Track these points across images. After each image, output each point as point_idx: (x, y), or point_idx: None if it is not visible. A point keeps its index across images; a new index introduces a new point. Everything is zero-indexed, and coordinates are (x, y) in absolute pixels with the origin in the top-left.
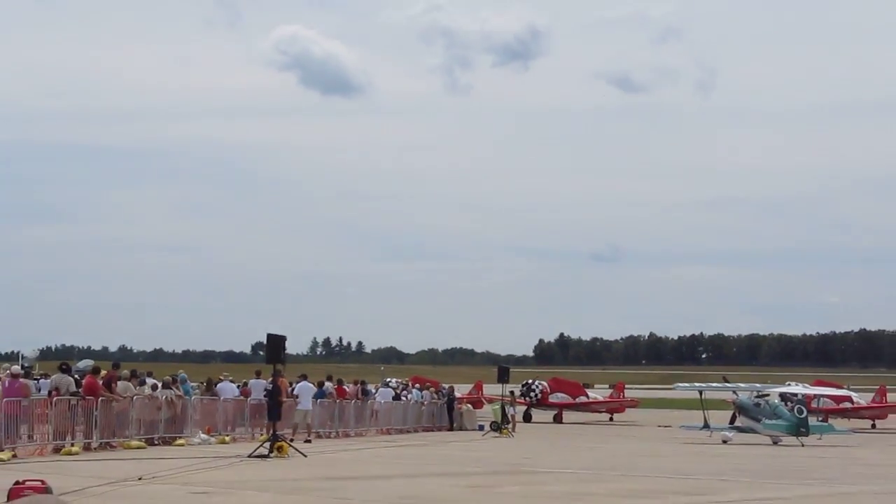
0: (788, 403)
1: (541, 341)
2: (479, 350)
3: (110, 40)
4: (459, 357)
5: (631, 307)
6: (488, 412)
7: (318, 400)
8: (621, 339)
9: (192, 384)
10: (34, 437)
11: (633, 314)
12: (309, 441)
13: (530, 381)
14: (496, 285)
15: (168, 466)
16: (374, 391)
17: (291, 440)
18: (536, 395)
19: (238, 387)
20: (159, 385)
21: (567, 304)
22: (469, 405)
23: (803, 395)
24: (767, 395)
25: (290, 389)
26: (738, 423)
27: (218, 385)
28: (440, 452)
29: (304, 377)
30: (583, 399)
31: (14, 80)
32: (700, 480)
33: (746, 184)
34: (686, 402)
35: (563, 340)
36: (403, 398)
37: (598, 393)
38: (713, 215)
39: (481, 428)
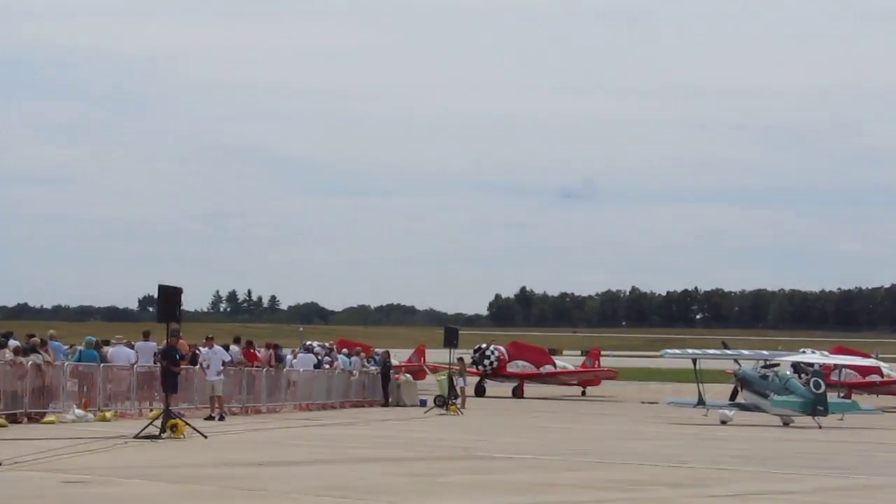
0: (802, 376)
1: (497, 297)
2: (420, 307)
3: None
4: (397, 316)
5: (609, 256)
6: (432, 384)
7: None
8: (596, 294)
9: (66, 347)
10: None
11: (611, 264)
12: (222, 419)
13: (484, 345)
14: (443, 227)
15: (35, 449)
16: (290, 357)
17: (211, 418)
18: (491, 364)
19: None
20: (23, 348)
21: (530, 251)
22: (408, 375)
23: (821, 366)
24: (777, 364)
25: (191, 354)
26: (740, 400)
27: (110, 350)
28: (373, 433)
29: (212, 340)
30: (549, 368)
31: None
32: (693, 469)
33: (750, 104)
34: (676, 373)
35: (524, 296)
36: (327, 366)
37: (567, 361)
38: (709, 142)
39: (423, 403)
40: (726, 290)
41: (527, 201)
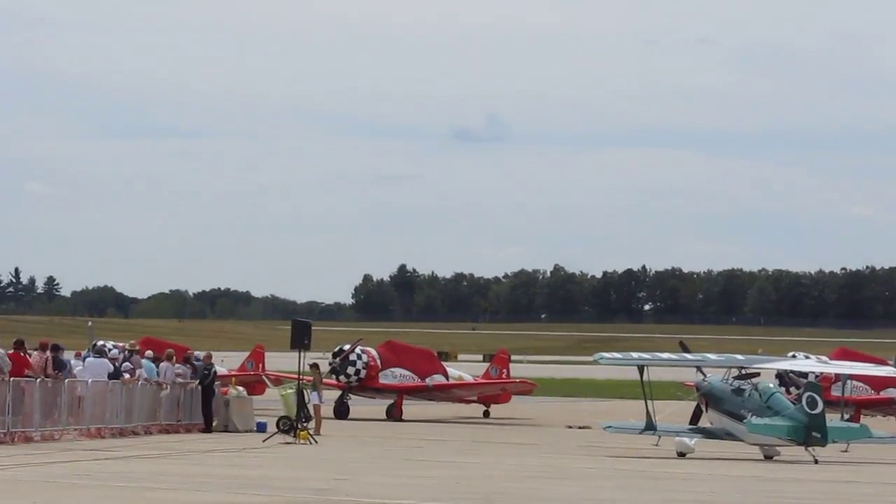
0: (792, 389)
1: (366, 280)
2: (258, 293)
3: None
4: (224, 306)
5: (522, 222)
6: (274, 400)
7: None
8: (505, 276)
9: None
10: None
11: (525, 234)
12: None
13: (347, 347)
14: (287, 183)
15: None
16: (75, 363)
17: None
18: (358, 373)
19: None
20: None
21: (412, 215)
22: (241, 388)
23: (817, 376)
24: (757, 374)
25: None
26: (705, 423)
27: None
28: (189, 470)
29: None
30: (438, 379)
31: None
32: None
33: (719, 13)
34: (615, 387)
35: (404, 278)
36: (127, 375)
37: (464, 369)
38: (662, 64)
39: (262, 428)
40: (686, 269)
41: (406, 146)
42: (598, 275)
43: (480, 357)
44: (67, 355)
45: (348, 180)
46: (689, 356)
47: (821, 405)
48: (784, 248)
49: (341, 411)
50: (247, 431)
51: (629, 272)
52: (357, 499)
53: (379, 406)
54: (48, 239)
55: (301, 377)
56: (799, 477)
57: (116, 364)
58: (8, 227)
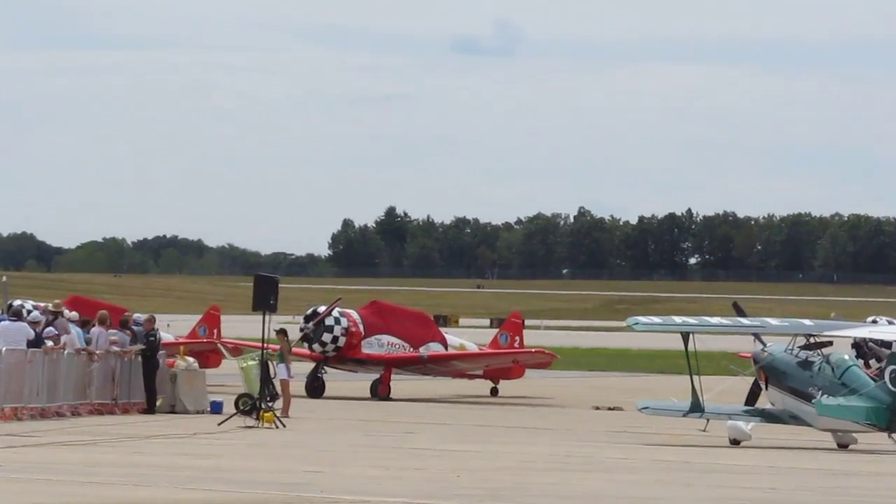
0: (873, 362)
1: (347, 226)
2: (213, 243)
3: None
4: (171, 258)
5: (537, 153)
6: (233, 374)
7: None
8: (517, 221)
9: None
10: None
11: (542, 169)
12: None
13: (322, 308)
14: (250, 108)
15: None
16: None
17: None
18: (335, 340)
19: None
20: None
21: (403, 144)
22: (192, 360)
23: None
24: (829, 343)
25: None
26: (764, 404)
27: None
28: (128, 459)
29: None
30: (435, 349)
31: None
32: None
33: None
34: (653, 358)
35: (392, 224)
36: (50, 343)
37: (467, 337)
38: None
39: (217, 408)
40: (741, 214)
41: (396, 60)
42: (633, 220)
43: (487, 322)
44: None
45: (324, 102)
46: (744, 321)
47: None
48: (863, 187)
49: (315, 388)
50: (198, 413)
51: (671, 217)
52: (334, 495)
53: (362, 382)
54: None
55: (266, 346)
56: (880, 471)
57: (37, 329)
58: None
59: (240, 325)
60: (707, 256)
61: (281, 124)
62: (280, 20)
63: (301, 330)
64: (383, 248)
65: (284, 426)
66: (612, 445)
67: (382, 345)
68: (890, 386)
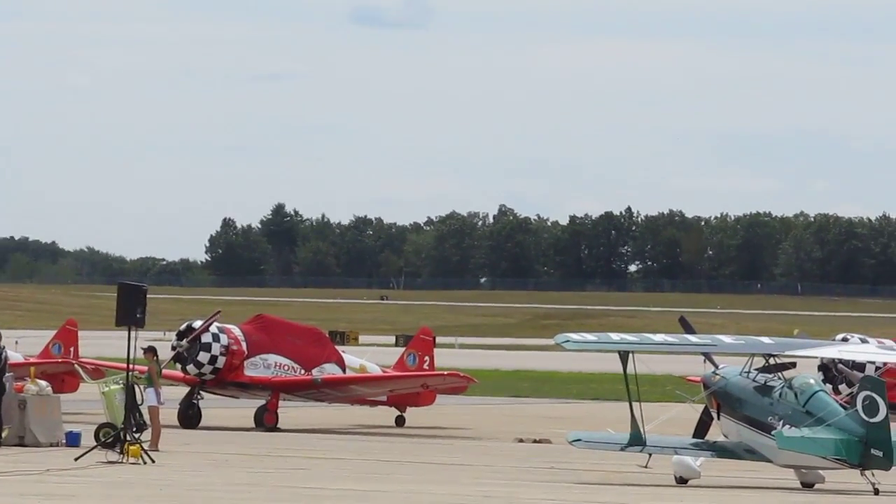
0: (843, 387)
1: (228, 226)
2: (69, 246)
3: None
4: (20, 263)
5: (451, 142)
6: (94, 399)
7: None
8: (427, 221)
9: None
10: None
11: (456, 160)
12: None
13: (199, 322)
14: (113, 85)
15: None
16: None
17: None
18: (214, 360)
19: None
20: None
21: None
22: (43, 383)
23: (880, 368)
24: (792, 364)
25: None
26: (716, 435)
27: None
28: None
29: None
30: (330, 370)
31: None
32: None
33: None
34: (585, 382)
35: (281, 224)
36: None
37: (367, 356)
38: None
39: (73, 440)
40: (689, 213)
41: (284, 32)
42: (563, 220)
43: (392, 339)
44: None
45: (201, 80)
46: (693, 339)
47: (884, 410)
48: (833, 183)
49: (190, 417)
50: (52, 445)
51: (608, 217)
52: None
53: (245, 409)
54: None
55: (132, 367)
56: None
57: None
58: None
59: (101, 343)
60: (650, 263)
61: (149, 107)
62: None
63: (173, 348)
64: (270, 253)
65: (153, 461)
66: (538, 484)
67: (269, 366)
68: (863, 415)
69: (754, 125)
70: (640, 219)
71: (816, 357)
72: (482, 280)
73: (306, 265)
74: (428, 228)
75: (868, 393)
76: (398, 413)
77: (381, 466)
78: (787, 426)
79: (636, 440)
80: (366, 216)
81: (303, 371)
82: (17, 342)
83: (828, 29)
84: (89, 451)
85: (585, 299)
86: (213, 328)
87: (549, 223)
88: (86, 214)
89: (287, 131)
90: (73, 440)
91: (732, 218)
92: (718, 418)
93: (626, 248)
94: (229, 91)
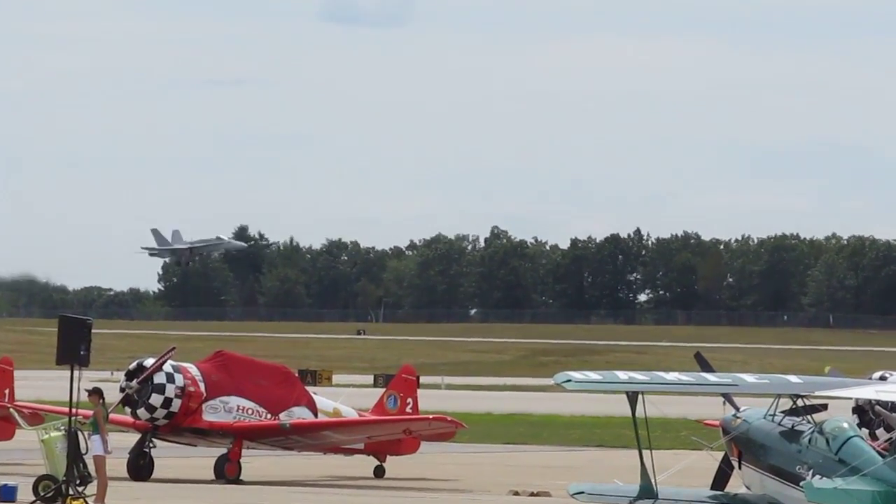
0: (881, 432)
1: (191, 252)
2: (3, 273)
3: None
4: None
5: (437, 155)
6: (31, 447)
7: None
8: (409, 245)
9: None
10: None
11: (442, 176)
12: None
13: (151, 360)
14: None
15: None
16: None
17: None
18: (168, 403)
19: None
20: None
21: (251, 148)
22: None
23: None
24: (824, 407)
25: None
26: (737, 486)
27: None
28: None
29: None
30: (301, 414)
31: None
32: None
33: None
34: (589, 426)
35: (248, 248)
36: None
37: (342, 398)
38: None
39: (8, 494)
40: (706, 236)
41: (247, 30)
42: (564, 244)
43: (370, 379)
44: None
45: (152, 86)
46: (710, 377)
47: None
48: (867, 202)
49: (140, 467)
50: None
51: (614, 240)
52: None
53: (203, 458)
54: None
55: (75, 411)
56: None
57: None
58: None
59: (40, 384)
60: (661, 292)
61: (91, 114)
62: None
63: (122, 390)
64: (231, 282)
65: None
66: None
67: (230, 409)
68: None
69: (780, 136)
70: (650, 242)
71: (851, 398)
72: (472, 312)
73: (273, 295)
74: (410, 253)
75: None
76: (377, 462)
77: None
78: (818, 476)
79: (647, 493)
80: (340, 239)
81: (269, 415)
82: None
83: (860, 31)
84: None
85: (589, 333)
86: (167, 367)
87: (547, 247)
88: (20, 237)
89: (250, 143)
90: (7, 494)
91: (755, 241)
92: (740, 467)
93: (634, 275)
94: (184, 97)
